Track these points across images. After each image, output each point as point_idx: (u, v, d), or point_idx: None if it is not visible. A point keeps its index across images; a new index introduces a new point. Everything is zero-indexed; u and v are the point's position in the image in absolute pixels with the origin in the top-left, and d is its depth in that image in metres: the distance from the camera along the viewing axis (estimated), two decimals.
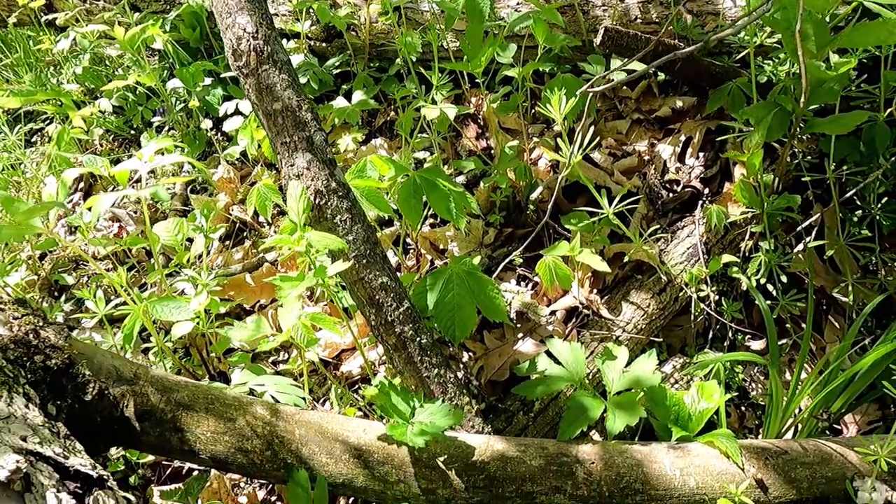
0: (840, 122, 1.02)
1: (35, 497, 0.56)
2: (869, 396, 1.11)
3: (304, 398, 0.99)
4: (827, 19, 1.10)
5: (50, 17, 1.92)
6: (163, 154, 1.18)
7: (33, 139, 2.03)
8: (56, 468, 0.61)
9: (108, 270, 1.56)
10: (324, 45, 1.73)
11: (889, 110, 1.16)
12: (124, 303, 1.12)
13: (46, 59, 2.13)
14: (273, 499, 1.07)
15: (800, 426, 1.08)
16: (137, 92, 1.83)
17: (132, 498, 0.63)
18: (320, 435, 0.86)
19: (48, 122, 1.96)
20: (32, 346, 0.76)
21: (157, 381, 0.85)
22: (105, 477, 0.63)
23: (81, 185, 1.88)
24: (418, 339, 0.92)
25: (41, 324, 0.80)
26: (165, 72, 1.81)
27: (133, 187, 1.51)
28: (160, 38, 1.64)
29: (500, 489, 0.86)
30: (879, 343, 0.97)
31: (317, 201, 0.86)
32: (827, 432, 1.15)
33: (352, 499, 1.06)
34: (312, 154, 0.87)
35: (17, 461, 0.57)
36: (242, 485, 1.10)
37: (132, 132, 1.87)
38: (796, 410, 1.04)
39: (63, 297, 1.43)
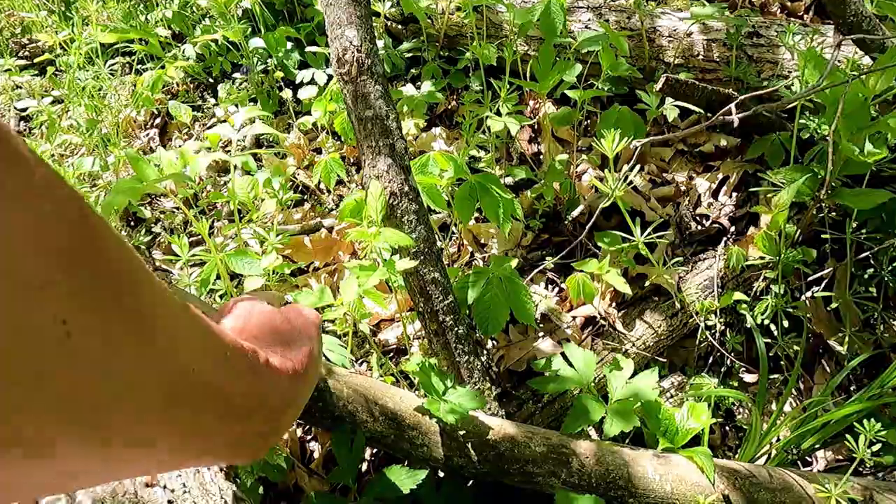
0: (863, 198, 1.12)
1: None
2: (840, 438, 1.25)
3: (348, 357, 1.16)
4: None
5: None
6: (252, 123, 1.31)
7: (114, 68, 2.17)
8: None
9: (177, 209, 1.73)
10: (399, 26, 1.83)
11: None
12: (202, 249, 1.28)
13: None
14: (309, 438, 1.25)
15: (773, 452, 1.23)
16: (219, 43, 1.95)
17: None
18: (363, 396, 1.02)
19: (131, 55, 2.10)
20: None
21: None
22: None
23: (158, 120, 2.03)
24: (456, 328, 1.07)
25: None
26: (249, 28, 1.92)
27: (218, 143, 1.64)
28: None
29: (506, 466, 1.02)
30: (855, 398, 1.10)
31: (391, 201, 1.00)
32: (799, 464, 1.29)
33: (376, 451, 1.23)
34: (392, 160, 1.00)
35: None
36: None
37: (209, 80, 2.01)
38: (774, 439, 1.18)
39: (143, 230, 1.60)
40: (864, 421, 0.89)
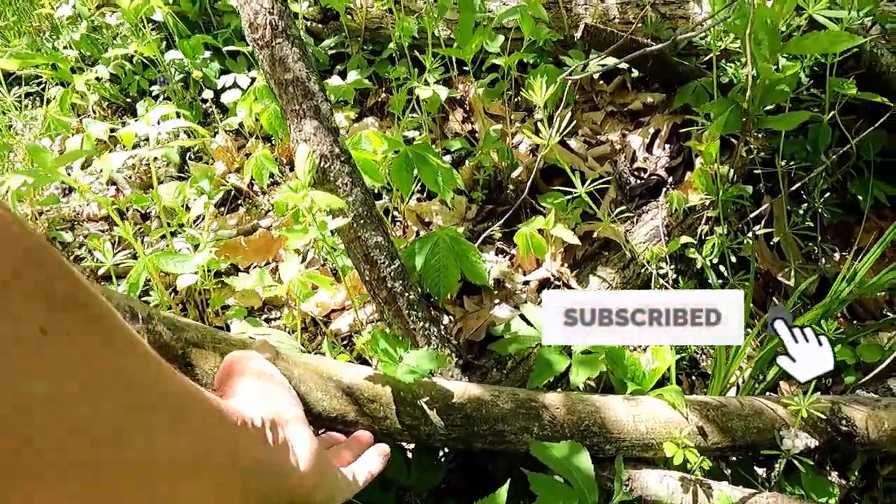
0: (787, 120, 1.15)
1: None
2: None
3: (298, 349, 1.09)
4: (783, 28, 1.24)
5: None
6: (168, 119, 1.25)
7: (23, 102, 2.06)
8: None
9: (103, 231, 1.63)
10: (320, 26, 1.81)
11: (832, 113, 1.31)
12: (128, 257, 1.20)
13: (35, 24, 2.16)
14: None
15: (741, 385, 1.22)
16: (134, 61, 1.88)
17: None
18: (316, 375, 0.95)
19: (40, 85, 1.99)
20: None
21: (168, 321, 0.93)
22: None
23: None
24: (407, 294, 1.02)
25: None
26: (163, 43, 1.86)
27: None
28: (161, 10, 1.70)
29: (475, 427, 0.97)
30: (807, 312, 1.11)
31: (321, 164, 0.96)
32: (767, 393, 1.29)
33: None
34: (319, 121, 0.96)
35: None
36: None
37: (127, 100, 1.92)
38: (737, 372, 1.18)
39: (68, 257, 1.49)
40: (822, 321, 0.89)
